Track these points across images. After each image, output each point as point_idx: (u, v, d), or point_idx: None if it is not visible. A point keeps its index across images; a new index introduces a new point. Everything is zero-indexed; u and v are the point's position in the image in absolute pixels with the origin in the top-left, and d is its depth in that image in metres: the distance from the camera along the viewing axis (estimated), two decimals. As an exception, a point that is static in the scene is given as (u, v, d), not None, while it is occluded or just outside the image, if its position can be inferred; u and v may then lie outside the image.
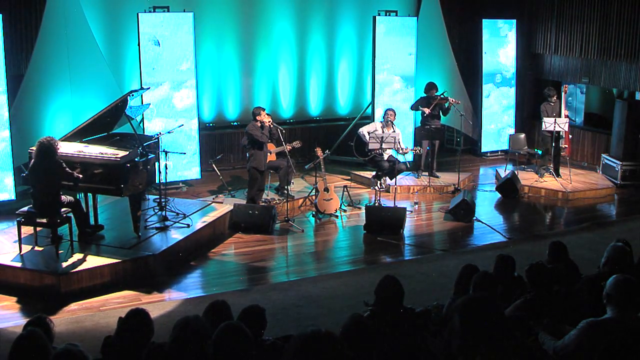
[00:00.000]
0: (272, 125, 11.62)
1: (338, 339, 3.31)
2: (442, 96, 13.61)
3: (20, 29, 12.22)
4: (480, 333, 3.39)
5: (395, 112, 13.20)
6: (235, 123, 14.99)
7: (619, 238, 6.67)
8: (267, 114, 11.99)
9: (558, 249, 6.86)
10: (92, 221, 10.12)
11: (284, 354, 3.35)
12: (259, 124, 11.53)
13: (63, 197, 9.24)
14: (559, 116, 13.65)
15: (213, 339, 3.93)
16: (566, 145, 14.02)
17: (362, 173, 14.16)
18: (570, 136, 14.40)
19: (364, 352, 4.17)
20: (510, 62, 16.53)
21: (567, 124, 13.51)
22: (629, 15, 14.07)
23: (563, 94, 14.04)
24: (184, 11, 12.81)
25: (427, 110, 13.58)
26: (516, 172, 13.87)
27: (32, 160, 9.04)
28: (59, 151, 9.07)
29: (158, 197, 11.02)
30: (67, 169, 8.97)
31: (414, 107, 14.05)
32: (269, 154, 12.09)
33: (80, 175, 9.20)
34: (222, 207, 11.48)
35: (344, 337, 4.22)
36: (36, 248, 9.39)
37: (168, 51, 12.62)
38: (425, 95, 13.90)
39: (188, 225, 10.47)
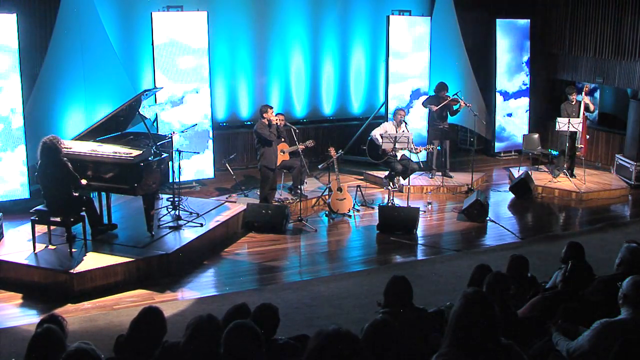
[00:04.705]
0: (280, 123, 11.66)
1: (358, 339, 3.32)
2: (454, 97, 13.56)
3: (34, 28, 12.25)
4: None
5: (405, 112, 13.17)
6: (248, 122, 14.97)
7: (631, 239, 6.63)
8: (280, 114, 12.06)
9: (575, 250, 6.81)
10: (105, 220, 10.16)
11: (305, 350, 3.36)
12: (267, 122, 11.54)
13: (74, 195, 9.26)
14: (578, 116, 13.57)
15: (223, 338, 3.94)
16: (582, 146, 13.94)
17: (375, 173, 14.13)
18: (587, 136, 14.32)
19: (386, 354, 4.17)
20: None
21: (580, 125, 13.43)
22: (644, 15, 14.01)
23: (584, 93, 13.92)
24: (198, 10, 12.84)
25: (434, 108, 13.53)
26: (530, 172, 13.83)
27: (39, 161, 9.08)
28: (67, 150, 9.13)
29: (171, 196, 11.05)
30: (72, 170, 8.98)
31: (425, 104, 14.03)
32: (282, 153, 12.10)
33: (85, 182, 9.24)
34: (235, 206, 11.50)
35: (367, 339, 4.21)
36: (50, 247, 9.43)
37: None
38: (434, 94, 13.88)
39: (201, 225, 10.50)
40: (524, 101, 16.69)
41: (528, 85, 16.67)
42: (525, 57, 16.53)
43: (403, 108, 13.56)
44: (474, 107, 13.88)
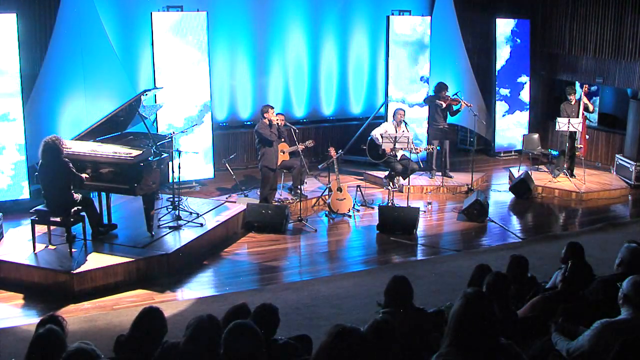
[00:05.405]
0: (280, 123, 11.65)
1: (369, 339, 3.34)
2: (454, 97, 13.55)
3: (34, 28, 12.25)
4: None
5: (404, 112, 13.16)
6: (248, 122, 14.98)
7: (631, 239, 6.63)
8: (280, 114, 12.04)
9: (575, 250, 6.80)
10: (105, 220, 10.16)
11: (320, 345, 3.37)
12: (267, 122, 11.54)
13: (75, 195, 9.26)
14: (577, 116, 13.57)
15: (223, 338, 3.94)
16: (582, 146, 13.93)
17: (375, 173, 14.12)
18: (587, 136, 14.31)
19: (386, 354, 4.17)
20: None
21: (580, 124, 13.42)
22: (644, 15, 14.00)
23: (583, 93, 13.91)
24: (198, 10, 12.84)
25: (444, 104, 13.51)
26: (530, 172, 13.82)
27: (40, 161, 9.08)
28: (67, 150, 9.11)
29: (171, 196, 11.04)
30: (74, 169, 8.99)
31: (427, 101, 14.01)
32: (281, 153, 12.10)
33: (86, 176, 9.24)
34: (235, 206, 11.50)
35: (370, 337, 4.22)
36: (50, 247, 9.43)
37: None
38: (434, 94, 13.86)
39: (201, 225, 10.49)
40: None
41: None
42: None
43: (403, 108, 13.53)
44: (474, 107, 13.87)
